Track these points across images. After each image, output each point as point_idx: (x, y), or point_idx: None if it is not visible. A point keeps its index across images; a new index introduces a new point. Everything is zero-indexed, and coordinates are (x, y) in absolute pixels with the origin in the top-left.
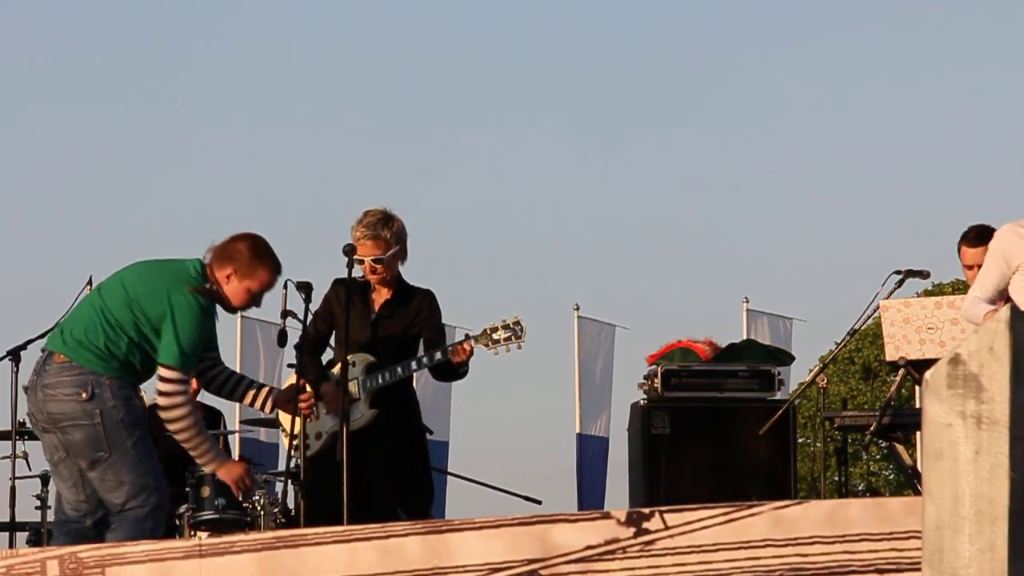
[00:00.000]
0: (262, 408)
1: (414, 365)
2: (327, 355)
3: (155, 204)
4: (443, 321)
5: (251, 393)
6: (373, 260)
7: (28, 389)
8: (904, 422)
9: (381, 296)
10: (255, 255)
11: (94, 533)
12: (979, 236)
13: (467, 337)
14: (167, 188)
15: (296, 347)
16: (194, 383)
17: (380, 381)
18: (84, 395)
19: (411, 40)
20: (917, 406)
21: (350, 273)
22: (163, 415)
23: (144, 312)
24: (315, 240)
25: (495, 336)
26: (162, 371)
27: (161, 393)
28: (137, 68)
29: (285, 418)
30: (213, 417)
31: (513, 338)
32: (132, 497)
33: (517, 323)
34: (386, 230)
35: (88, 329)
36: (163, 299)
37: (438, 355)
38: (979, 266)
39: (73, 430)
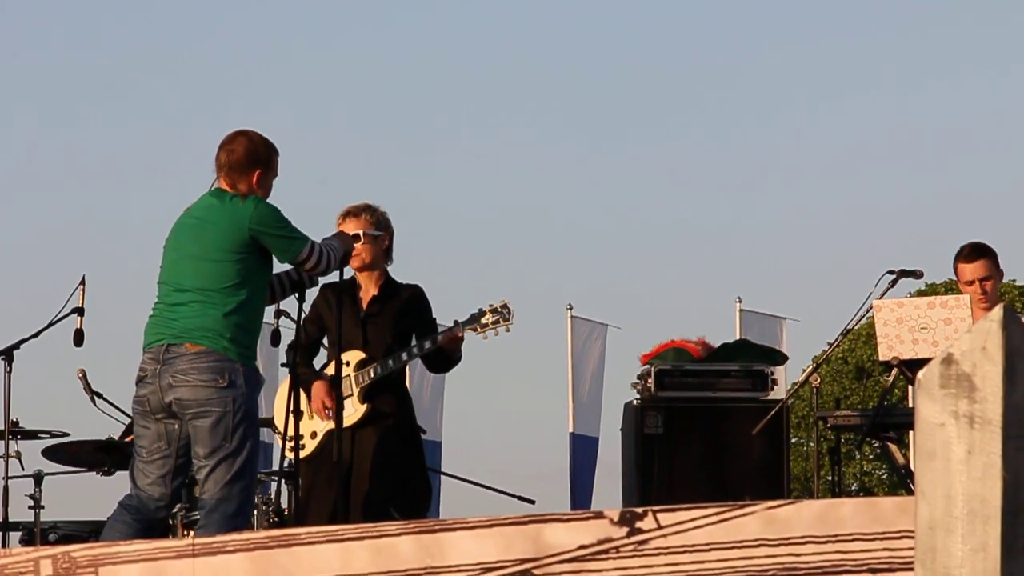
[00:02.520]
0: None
1: (405, 356)
2: (320, 358)
3: (153, 205)
4: (435, 319)
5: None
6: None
7: (144, 379)
8: (897, 422)
9: (369, 294)
10: (265, 146)
11: (163, 527)
12: (974, 250)
13: (456, 323)
14: (166, 188)
15: (289, 347)
16: None
17: (373, 375)
18: (222, 381)
19: (410, 40)
20: (910, 406)
21: (341, 274)
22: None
23: (237, 251)
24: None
25: (483, 320)
26: (299, 263)
27: (310, 274)
28: (135, 67)
29: (279, 419)
30: None
31: (501, 321)
32: (230, 490)
33: (504, 306)
34: (367, 213)
35: (212, 317)
36: (238, 226)
37: (427, 343)
38: (980, 280)
39: (204, 416)
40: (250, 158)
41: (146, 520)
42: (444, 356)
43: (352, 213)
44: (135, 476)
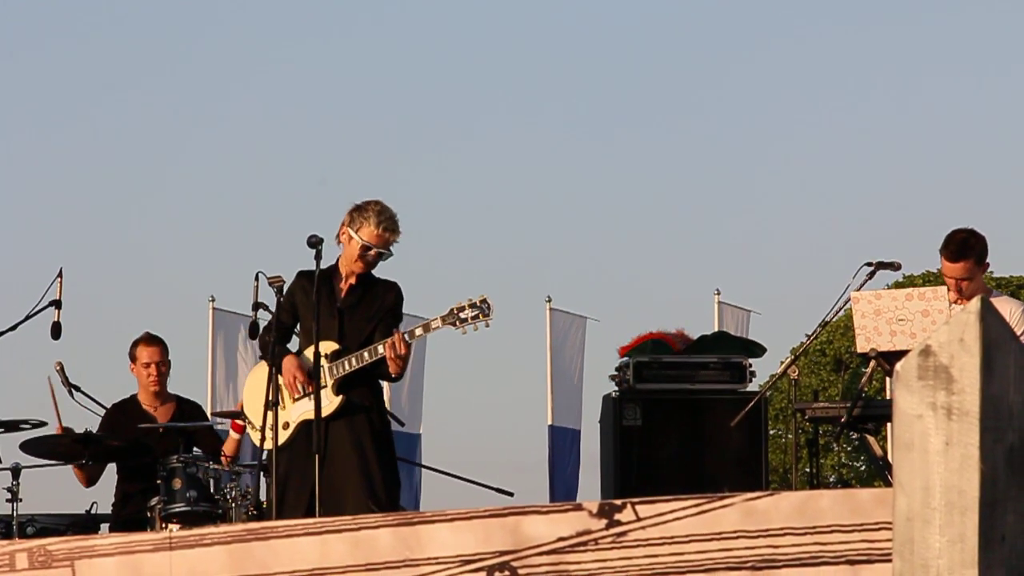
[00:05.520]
0: None
1: (380, 350)
2: (292, 346)
3: (131, 198)
4: (415, 314)
5: None
6: (384, 249)
7: None
8: (875, 413)
9: (347, 284)
10: None
11: None
12: (959, 250)
13: (425, 323)
14: (145, 182)
15: (264, 329)
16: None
17: (347, 368)
18: None
19: (410, 40)
20: (888, 397)
21: (318, 264)
22: None
23: None
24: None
25: (462, 315)
26: None
27: None
28: (134, 65)
29: (250, 410)
30: (194, 410)
31: (480, 316)
32: None
33: (484, 301)
34: (394, 237)
35: None
36: None
37: (381, 347)
38: (958, 279)
39: None
40: None
41: None
42: (384, 366)
43: (395, 230)
44: None
